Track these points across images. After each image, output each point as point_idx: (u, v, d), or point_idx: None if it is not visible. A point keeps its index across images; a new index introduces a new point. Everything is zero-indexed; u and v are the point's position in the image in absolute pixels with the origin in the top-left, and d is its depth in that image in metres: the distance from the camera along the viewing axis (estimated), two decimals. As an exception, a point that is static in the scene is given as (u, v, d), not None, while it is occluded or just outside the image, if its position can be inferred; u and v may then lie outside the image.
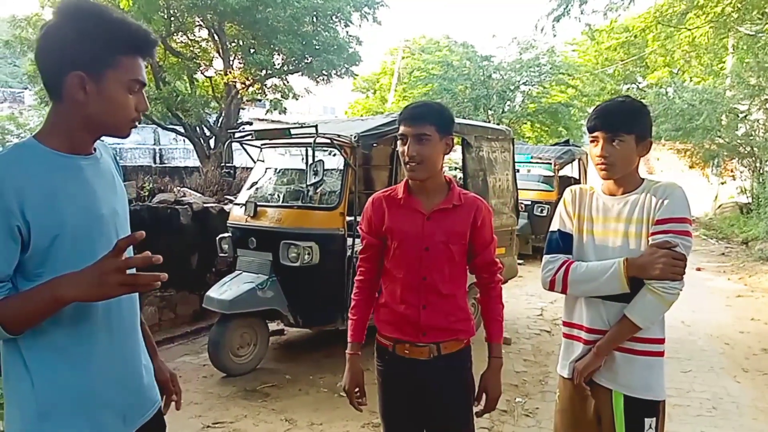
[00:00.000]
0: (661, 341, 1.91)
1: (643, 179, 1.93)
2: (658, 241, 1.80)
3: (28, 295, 1.23)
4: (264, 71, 13.71)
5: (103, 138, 1.41)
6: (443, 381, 1.99)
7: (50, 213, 1.24)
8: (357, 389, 2.09)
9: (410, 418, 2.06)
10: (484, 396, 2.08)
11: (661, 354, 1.91)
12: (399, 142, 1.98)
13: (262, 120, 17.00)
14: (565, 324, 2.06)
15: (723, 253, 11.47)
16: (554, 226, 2.06)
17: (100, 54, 1.27)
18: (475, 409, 2.09)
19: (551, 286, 1.97)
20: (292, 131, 4.69)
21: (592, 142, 1.92)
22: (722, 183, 17.89)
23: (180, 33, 13.12)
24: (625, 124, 1.85)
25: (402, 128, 1.95)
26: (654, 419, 1.88)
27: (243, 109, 15.96)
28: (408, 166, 1.94)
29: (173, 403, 1.70)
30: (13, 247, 1.22)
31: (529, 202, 10.01)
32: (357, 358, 2.11)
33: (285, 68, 14.21)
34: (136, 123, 1.38)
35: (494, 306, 2.10)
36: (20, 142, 1.32)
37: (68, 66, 1.25)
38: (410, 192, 2.02)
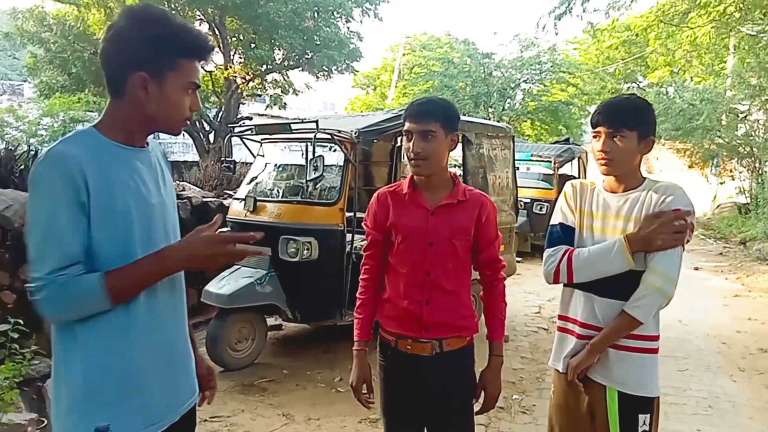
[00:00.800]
0: (656, 338, 1.91)
1: (645, 178, 1.93)
2: (655, 212, 1.80)
3: (137, 267, 1.33)
4: (264, 66, 13.72)
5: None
6: (445, 378, 1.98)
7: (108, 197, 1.32)
8: (365, 385, 2.08)
9: (411, 414, 2.06)
10: (482, 394, 2.07)
11: (655, 351, 1.91)
12: (404, 138, 1.97)
13: (262, 115, 16.97)
14: (560, 317, 2.06)
15: (721, 253, 11.49)
16: (555, 219, 2.05)
17: (163, 57, 1.37)
18: (474, 407, 2.09)
19: (556, 278, 1.96)
20: (293, 126, 4.69)
21: (594, 136, 1.92)
22: (721, 183, 17.92)
23: (181, 27, 13.09)
24: (627, 120, 1.85)
25: (407, 124, 1.94)
26: (648, 416, 1.88)
27: (243, 104, 15.95)
28: (413, 162, 1.93)
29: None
30: (86, 223, 1.29)
31: (529, 200, 10.01)
32: (364, 354, 2.08)
33: (285, 63, 14.21)
34: (188, 122, 1.50)
35: (497, 304, 2.09)
36: (82, 130, 1.40)
37: (133, 66, 1.34)
38: (415, 187, 2.01)
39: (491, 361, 2.07)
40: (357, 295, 2.14)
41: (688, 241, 1.82)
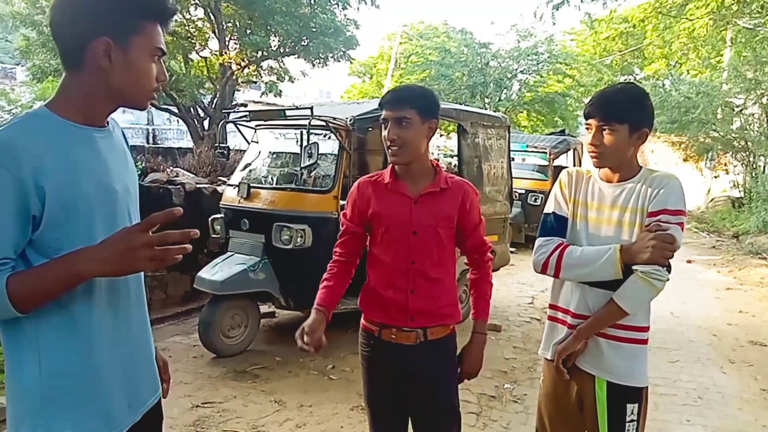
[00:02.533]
0: (646, 329, 1.91)
1: (641, 167, 1.91)
2: (650, 225, 1.79)
3: (43, 270, 1.17)
4: (260, 53, 13.59)
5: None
6: (428, 366, 1.99)
7: (67, 185, 1.19)
8: (314, 334, 1.93)
9: (395, 403, 2.06)
10: (460, 369, 2.08)
11: (645, 342, 1.92)
12: (382, 127, 1.95)
13: (257, 102, 16.89)
14: (551, 306, 2.06)
15: (714, 247, 11.55)
16: (549, 208, 2.04)
17: (127, 19, 1.23)
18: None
19: (543, 269, 1.96)
20: (287, 113, 4.66)
21: (587, 128, 1.91)
22: (715, 177, 17.99)
23: (175, 11, 12.98)
24: (618, 113, 1.82)
25: (384, 112, 1.93)
26: (636, 405, 1.89)
27: (238, 90, 15.82)
28: (390, 150, 1.92)
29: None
30: (22, 225, 1.16)
31: (523, 191, 10.01)
32: (323, 312, 1.99)
33: (281, 50, 14.08)
34: (155, 94, 1.35)
35: (483, 284, 2.11)
36: (32, 111, 1.25)
37: (93, 32, 1.20)
38: (396, 176, 2.00)
39: (473, 337, 2.08)
40: (324, 276, 2.09)
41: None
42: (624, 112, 1.83)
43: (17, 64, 22.71)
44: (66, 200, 1.19)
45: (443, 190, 1.98)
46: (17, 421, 1.25)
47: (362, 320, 2.09)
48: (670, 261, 1.81)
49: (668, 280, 1.80)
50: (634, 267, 1.79)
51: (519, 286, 7.41)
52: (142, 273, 1.40)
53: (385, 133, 1.92)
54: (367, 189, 2.03)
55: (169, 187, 6.01)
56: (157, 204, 5.71)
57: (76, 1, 1.22)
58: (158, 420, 1.53)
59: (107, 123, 1.35)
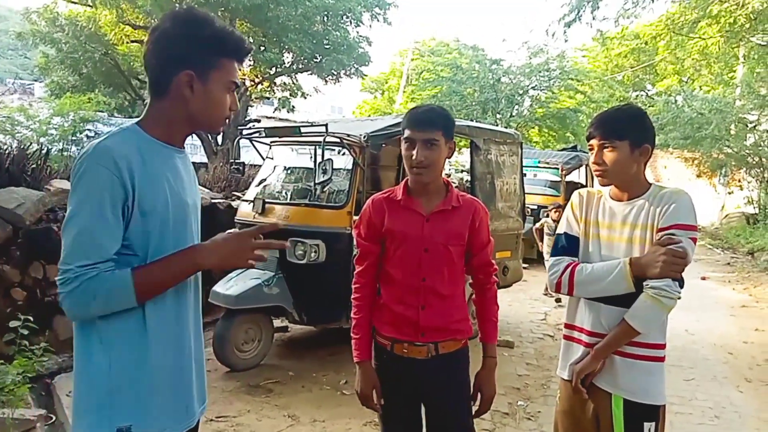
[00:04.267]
0: (662, 347, 1.92)
1: (651, 184, 1.94)
2: (662, 239, 1.80)
3: (166, 263, 1.35)
4: (273, 69, 13.78)
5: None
6: (440, 380, 2.00)
7: (151, 193, 1.35)
8: (374, 391, 2.05)
9: (408, 418, 2.07)
10: (479, 396, 2.08)
11: (661, 359, 1.92)
12: (404, 145, 1.97)
13: (270, 118, 17.05)
14: (567, 326, 2.08)
15: (728, 263, 11.44)
16: (561, 228, 2.08)
17: (208, 56, 1.41)
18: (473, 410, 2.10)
19: (557, 288, 1.98)
20: (302, 129, 4.72)
21: (590, 149, 1.96)
22: (729, 193, 17.86)
23: (191, 29, 13.20)
24: (616, 131, 1.87)
25: (408, 132, 1.94)
26: (653, 423, 1.89)
27: (251, 106, 16.02)
28: (414, 170, 1.94)
29: None
30: (122, 222, 1.31)
31: (536, 207, 10.00)
32: (368, 363, 2.08)
33: (294, 67, 14.27)
34: (228, 121, 1.52)
35: (489, 307, 2.11)
36: (126, 126, 1.42)
37: (179, 65, 1.38)
38: (410, 193, 2.02)
39: (485, 362, 2.08)
40: (352, 315, 2.12)
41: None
42: (623, 129, 1.88)
43: (36, 80, 23.15)
44: (146, 205, 1.34)
45: (455, 208, 2.00)
46: (84, 413, 1.36)
47: (375, 335, 2.10)
48: (683, 275, 1.81)
49: (680, 297, 1.80)
50: (644, 285, 1.80)
51: (531, 302, 7.39)
52: (201, 288, 1.56)
53: (410, 152, 1.93)
54: (381, 206, 2.05)
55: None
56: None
57: (167, 37, 1.39)
58: (195, 429, 1.59)
59: (184, 146, 1.53)
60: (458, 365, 2.05)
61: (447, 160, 2.03)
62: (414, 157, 1.92)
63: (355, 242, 4.62)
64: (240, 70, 1.53)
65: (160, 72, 1.41)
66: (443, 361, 1.99)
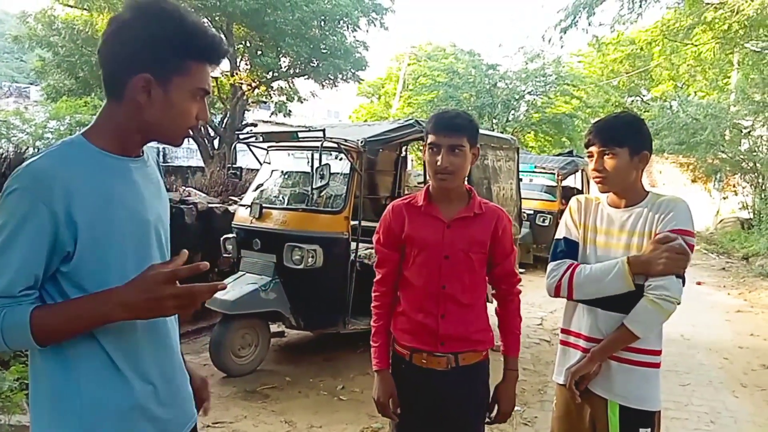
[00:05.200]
0: (658, 353, 1.93)
1: (648, 192, 1.96)
2: (660, 236, 1.82)
3: (70, 308, 1.16)
4: (270, 74, 13.79)
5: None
6: (459, 393, 1.97)
7: (101, 218, 1.18)
8: (391, 400, 2.02)
9: (423, 429, 2.04)
10: (495, 407, 2.06)
11: (657, 365, 1.93)
12: (428, 150, 1.93)
13: (267, 122, 17.05)
14: (563, 331, 2.08)
15: (723, 268, 11.47)
16: (560, 233, 2.09)
17: (172, 59, 1.21)
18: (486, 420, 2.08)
19: (557, 292, 1.99)
20: (300, 134, 4.73)
21: (589, 156, 1.98)
22: (724, 198, 17.94)
23: (188, 33, 13.21)
24: (616, 137, 1.89)
25: (434, 137, 1.91)
26: (649, 429, 1.90)
27: (248, 110, 16.02)
28: (439, 176, 1.91)
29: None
30: (47, 256, 1.14)
31: (532, 212, 10.00)
32: (386, 372, 2.05)
33: (291, 71, 14.28)
34: (192, 131, 1.35)
35: (512, 319, 2.08)
36: (69, 140, 1.24)
37: (136, 67, 1.19)
38: (431, 200, 2.00)
39: (506, 375, 2.05)
40: (372, 323, 2.09)
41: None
42: (622, 136, 1.90)
43: (31, 84, 23.08)
44: (99, 233, 1.18)
45: (477, 215, 1.97)
46: None
47: (393, 344, 2.07)
48: (685, 277, 1.83)
49: (679, 303, 1.81)
50: (646, 286, 1.81)
51: (528, 307, 7.38)
52: None
53: (435, 158, 1.89)
54: (401, 212, 2.02)
55: (182, 206, 6.07)
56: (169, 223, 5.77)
57: (124, 34, 1.20)
58: None
59: (142, 152, 1.34)
60: (478, 378, 2.02)
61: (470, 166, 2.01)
62: (439, 163, 1.88)
63: (352, 246, 4.67)
64: (212, 74, 1.34)
65: (114, 72, 1.22)
66: (463, 373, 1.96)
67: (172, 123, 1.27)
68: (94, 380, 1.20)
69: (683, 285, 1.82)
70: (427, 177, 2.01)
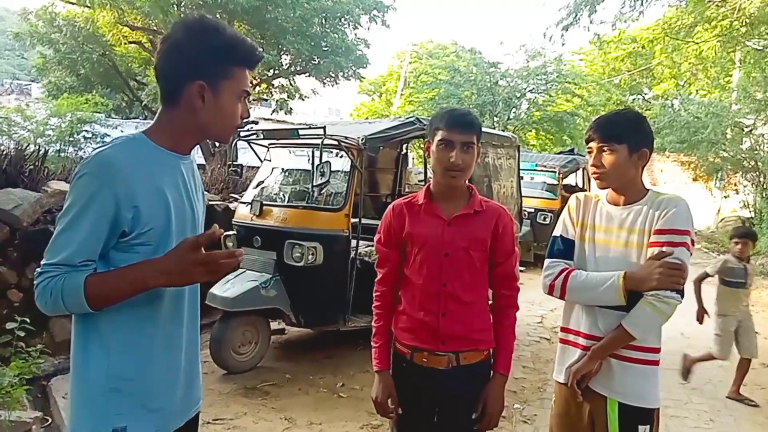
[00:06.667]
0: (657, 350, 1.93)
1: (648, 190, 1.96)
2: (654, 254, 1.82)
3: (116, 276, 1.32)
4: (272, 71, 13.79)
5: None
6: (460, 392, 1.96)
7: (156, 203, 1.35)
8: (389, 399, 2.01)
9: (423, 429, 2.03)
10: (481, 408, 1.99)
11: (656, 363, 1.93)
12: (440, 147, 1.91)
13: (268, 119, 17.05)
14: (563, 329, 2.09)
15: (724, 267, 11.45)
16: (557, 231, 2.09)
17: (219, 66, 1.40)
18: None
19: (550, 291, 2.00)
20: (300, 132, 4.73)
21: (588, 152, 1.98)
22: (725, 197, 17.91)
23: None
24: (615, 134, 1.89)
25: (445, 133, 1.90)
26: (648, 427, 1.90)
27: (249, 108, 16.02)
28: (450, 173, 1.90)
29: None
30: (108, 234, 1.31)
31: (532, 210, 10.01)
32: (387, 372, 2.04)
33: (292, 69, 14.28)
34: (237, 129, 1.50)
35: (507, 336, 2.04)
36: (131, 135, 1.42)
37: (191, 75, 1.37)
38: (431, 198, 2.00)
39: (494, 377, 2.02)
40: (373, 323, 2.08)
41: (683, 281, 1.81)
42: (622, 132, 1.90)
43: (33, 81, 23.11)
44: (151, 216, 1.34)
45: (477, 212, 1.97)
46: (81, 413, 1.38)
47: (394, 343, 2.06)
48: (683, 289, 1.82)
49: (679, 302, 1.81)
50: (645, 294, 1.81)
51: (528, 305, 7.39)
52: (198, 290, 1.56)
53: (448, 155, 1.88)
54: (402, 211, 2.02)
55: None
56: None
57: (179, 47, 1.38)
58: (194, 429, 1.63)
59: (189, 152, 1.52)
60: (479, 378, 2.01)
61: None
62: (452, 160, 1.88)
63: (353, 244, 4.67)
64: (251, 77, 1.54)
65: (171, 82, 1.41)
66: (464, 373, 1.95)
67: (223, 122, 1.45)
68: (122, 348, 1.36)
69: (682, 298, 1.81)
70: (429, 174, 2.00)
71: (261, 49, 1.50)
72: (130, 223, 1.31)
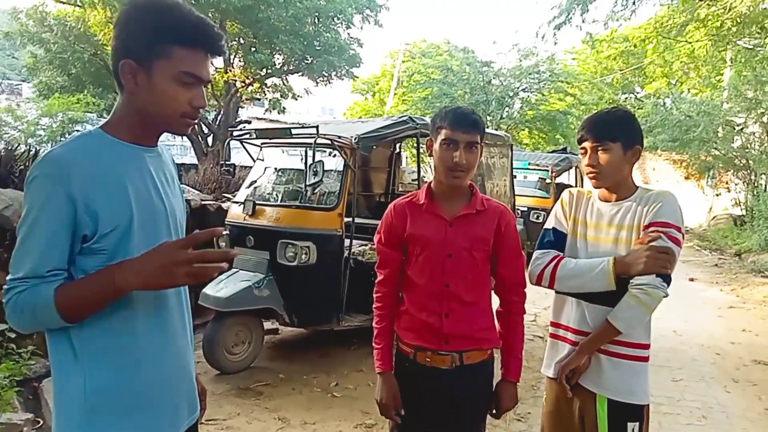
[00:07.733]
0: (647, 347, 1.94)
1: (638, 187, 1.98)
2: (643, 237, 1.83)
3: (86, 282, 1.21)
4: (264, 70, 13.74)
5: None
6: (464, 391, 1.95)
7: (119, 203, 1.24)
8: (395, 400, 1.99)
9: (425, 427, 2.02)
10: (496, 403, 2.03)
11: (646, 359, 1.94)
12: (443, 146, 1.89)
13: (261, 119, 17.00)
14: (552, 324, 2.10)
15: (716, 265, 11.53)
16: (549, 223, 2.10)
17: (153, 44, 1.24)
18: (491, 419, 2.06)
19: (539, 280, 2.00)
20: (293, 131, 4.71)
21: (582, 152, 1.99)
22: (717, 195, 18.00)
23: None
24: (609, 132, 1.90)
25: (451, 133, 1.87)
26: (637, 423, 1.91)
27: (242, 107, 15.97)
28: (454, 173, 1.88)
29: None
30: (69, 239, 1.20)
31: (526, 209, 10.04)
32: (389, 374, 2.02)
33: (285, 68, 14.24)
34: (190, 119, 1.33)
35: (516, 344, 2.04)
36: (86, 131, 1.31)
37: (122, 54, 1.25)
38: (432, 198, 1.98)
39: (506, 384, 2.03)
40: (374, 324, 2.07)
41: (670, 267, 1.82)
42: (615, 131, 1.91)
43: (23, 81, 22.95)
44: (114, 217, 1.23)
45: (479, 212, 1.95)
46: (62, 430, 1.28)
47: (397, 343, 2.05)
48: (671, 275, 1.83)
49: (666, 295, 1.82)
50: (630, 284, 1.82)
51: (521, 303, 7.41)
52: (187, 292, 1.45)
53: (452, 154, 1.87)
54: (403, 210, 2.00)
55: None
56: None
57: (118, 24, 1.27)
58: None
59: (156, 144, 1.39)
60: (482, 377, 2.01)
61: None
62: (456, 160, 1.86)
63: (346, 243, 4.66)
64: (213, 61, 1.36)
65: (112, 62, 1.28)
66: (467, 372, 1.94)
67: (161, 108, 1.28)
68: (97, 363, 1.25)
69: (669, 283, 1.82)
70: (424, 173, 1.99)
71: (215, 28, 1.32)
72: (90, 224, 1.20)
